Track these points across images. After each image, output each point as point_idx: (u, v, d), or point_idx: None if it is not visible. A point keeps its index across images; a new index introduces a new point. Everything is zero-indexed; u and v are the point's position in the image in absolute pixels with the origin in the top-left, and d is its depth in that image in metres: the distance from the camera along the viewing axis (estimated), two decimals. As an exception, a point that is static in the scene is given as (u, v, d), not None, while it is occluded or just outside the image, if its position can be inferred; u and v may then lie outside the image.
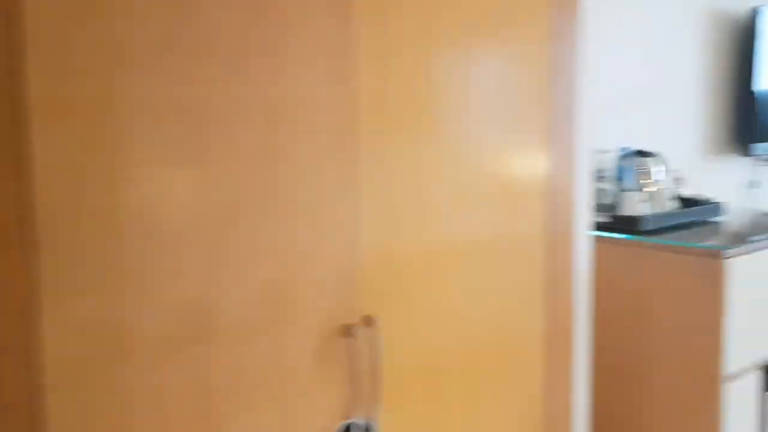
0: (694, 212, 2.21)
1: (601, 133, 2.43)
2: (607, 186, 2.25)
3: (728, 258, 1.82)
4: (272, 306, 1.08)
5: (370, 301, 1.23)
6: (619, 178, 2.25)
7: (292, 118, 1.08)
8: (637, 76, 2.53)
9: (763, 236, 1.96)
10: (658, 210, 2.17)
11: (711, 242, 1.90)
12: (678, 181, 2.39)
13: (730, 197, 2.98)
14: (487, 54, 1.35)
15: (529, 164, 1.45)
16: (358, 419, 1.21)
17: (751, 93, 2.80)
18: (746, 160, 3.02)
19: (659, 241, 1.96)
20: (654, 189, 2.21)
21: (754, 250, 1.91)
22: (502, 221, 1.41)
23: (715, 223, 2.23)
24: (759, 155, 2.95)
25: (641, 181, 2.23)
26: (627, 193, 2.14)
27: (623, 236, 2.05)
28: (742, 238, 1.93)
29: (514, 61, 1.40)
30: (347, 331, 1.19)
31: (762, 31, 2.76)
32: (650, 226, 2.07)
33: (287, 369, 1.11)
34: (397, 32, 1.20)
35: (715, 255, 1.82)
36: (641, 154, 2.27)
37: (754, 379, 2.00)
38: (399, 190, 1.26)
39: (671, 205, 2.21)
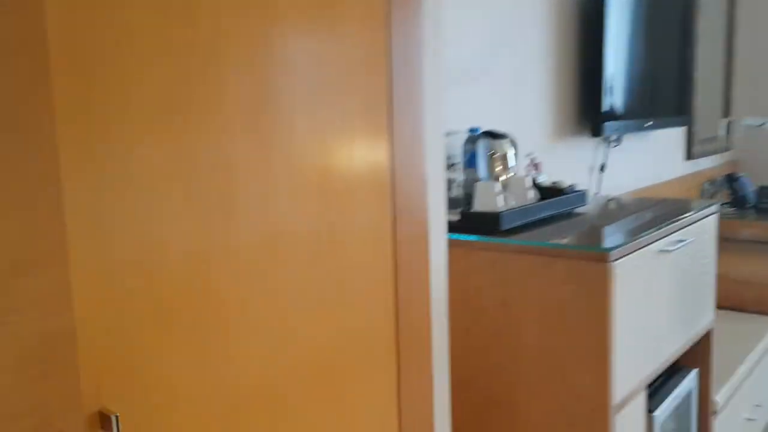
0: (558, 203, 1.83)
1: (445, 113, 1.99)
2: (456, 175, 1.82)
3: (615, 261, 1.43)
4: None
5: (106, 381, 0.73)
6: (469, 166, 1.83)
7: None
8: (480, 49, 2.13)
9: (648, 230, 1.60)
10: (516, 203, 1.77)
11: (593, 242, 1.51)
12: (534, 166, 2.01)
13: (578, 183, 2.68)
14: (307, 24, 0.96)
15: (364, 153, 1.08)
16: None
17: (600, 69, 2.51)
18: (593, 141, 2.74)
19: (526, 242, 1.54)
20: (509, 177, 1.81)
21: (638, 249, 1.54)
22: (326, 226, 1.00)
23: (579, 215, 1.87)
24: (607, 136, 2.68)
25: (495, 169, 1.82)
26: (480, 184, 1.71)
27: (478, 238, 1.61)
28: (627, 235, 1.56)
29: (343, 33, 1.03)
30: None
31: (610, 4, 2.47)
32: (510, 224, 1.66)
33: None
34: None
35: (599, 258, 1.43)
36: (492, 135, 1.86)
37: (641, 402, 1.64)
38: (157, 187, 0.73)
39: (530, 196, 1.82)
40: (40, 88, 0.68)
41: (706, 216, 1.93)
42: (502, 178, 1.81)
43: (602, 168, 2.77)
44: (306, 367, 1.00)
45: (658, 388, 1.86)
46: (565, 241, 1.53)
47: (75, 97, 0.72)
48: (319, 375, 1.03)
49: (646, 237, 1.57)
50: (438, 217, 1.27)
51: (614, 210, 1.95)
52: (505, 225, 1.64)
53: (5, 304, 0.67)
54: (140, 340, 0.79)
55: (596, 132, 2.54)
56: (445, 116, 1.95)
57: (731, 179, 3.74)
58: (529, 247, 1.53)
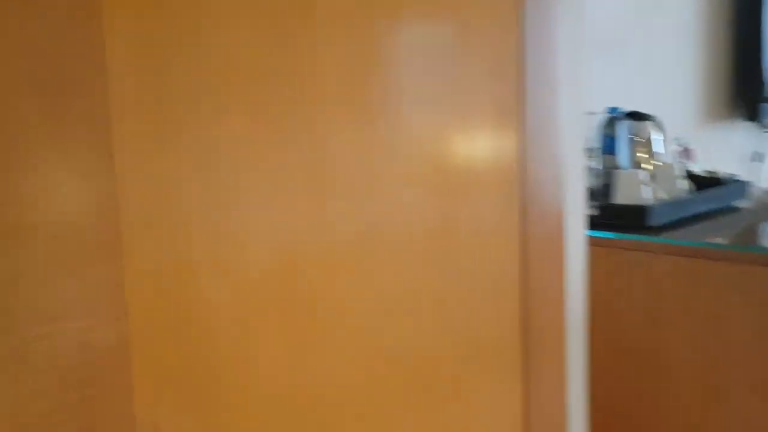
0: (716, 196, 1.57)
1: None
2: (592, 162, 1.59)
3: (796, 266, 1.17)
4: None
5: (167, 404, 0.63)
6: (608, 151, 1.59)
7: None
8: (621, 18, 1.88)
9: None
10: (666, 194, 1.52)
11: (763, 242, 1.26)
12: (685, 153, 1.75)
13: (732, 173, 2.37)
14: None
15: (487, 136, 0.91)
16: None
17: (759, 44, 2.19)
18: (746, 126, 2.41)
19: (679, 242, 1.30)
20: (657, 165, 1.56)
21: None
22: (438, 218, 0.84)
23: (739, 209, 1.59)
24: (766, 120, 2.34)
25: (638, 155, 1.58)
26: (622, 173, 1.48)
27: (620, 235, 1.39)
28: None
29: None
30: None
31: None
32: (659, 219, 1.42)
33: None
34: None
35: (776, 262, 1.17)
36: (635, 116, 1.62)
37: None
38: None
39: (682, 187, 1.56)
40: (90, 42, 0.55)
41: None
42: (647, 166, 1.56)
43: (760, 157, 2.43)
44: (411, 374, 0.84)
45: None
46: (727, 240, 1.27)
47: (132, 55, 0.58)
48: (426, 382, 0.86)
49: (834, 238, 1.29)
50: (575, 210, 1.08)
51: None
52: (654, 220, 1.40)
53: (45, 312, 0.55)
54: (211, 353, 0.65)
55: (753, 116, 2.22)
56: (584, 94, 1.73)
57: None
58: (683, 248, 1.29)
